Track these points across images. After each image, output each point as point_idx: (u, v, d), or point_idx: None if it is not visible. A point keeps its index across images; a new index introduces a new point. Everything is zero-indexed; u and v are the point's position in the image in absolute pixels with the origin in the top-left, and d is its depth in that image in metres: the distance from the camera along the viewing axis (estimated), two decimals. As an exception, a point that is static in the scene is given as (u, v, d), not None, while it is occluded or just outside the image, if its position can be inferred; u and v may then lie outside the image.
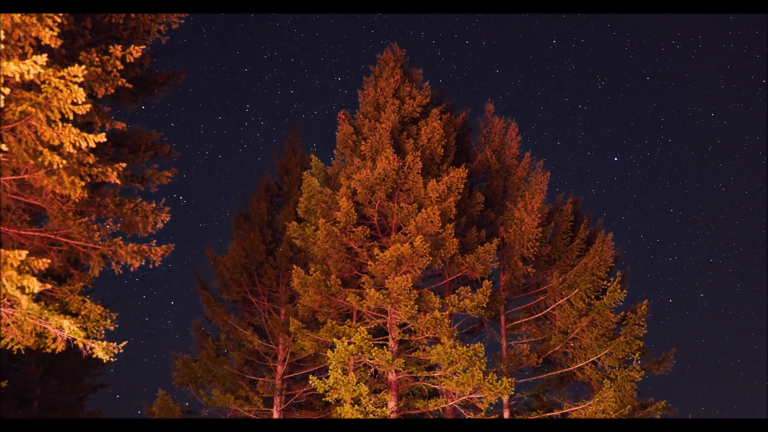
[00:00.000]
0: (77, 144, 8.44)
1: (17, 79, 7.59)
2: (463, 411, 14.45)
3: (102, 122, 9.92)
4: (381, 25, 48.59)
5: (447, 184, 14.42)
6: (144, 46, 9.28)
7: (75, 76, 7.92)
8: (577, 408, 14.77)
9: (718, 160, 46.16)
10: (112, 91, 9.48)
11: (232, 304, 18.19)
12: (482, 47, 48.83)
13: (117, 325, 10.15)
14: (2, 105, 7.80)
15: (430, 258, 13.69)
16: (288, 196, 18.98)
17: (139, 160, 11.30)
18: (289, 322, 14.70)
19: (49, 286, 9.07)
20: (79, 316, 9.94)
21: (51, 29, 8.04)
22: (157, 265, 10.36)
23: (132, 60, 9.25)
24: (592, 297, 15.65)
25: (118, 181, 9.42)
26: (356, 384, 12.98)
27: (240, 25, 49.28)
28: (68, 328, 9.24)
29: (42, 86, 8.01)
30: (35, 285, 8.31)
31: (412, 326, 13.89)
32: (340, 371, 13.02)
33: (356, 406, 12.96)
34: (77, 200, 9.39)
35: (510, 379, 13.02)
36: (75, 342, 9.54)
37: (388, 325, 14.56)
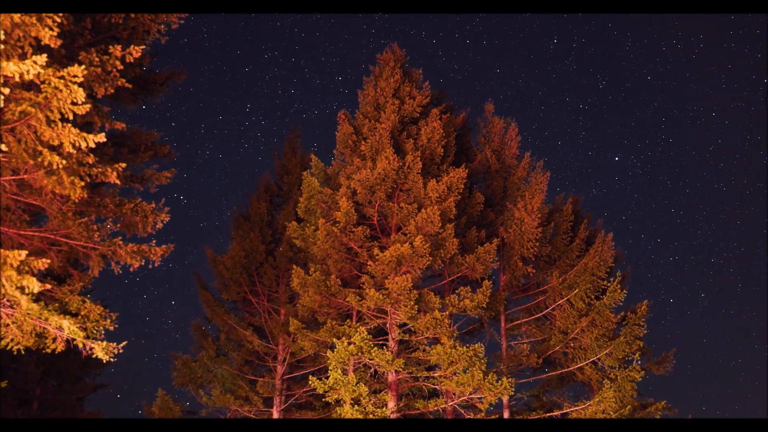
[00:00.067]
0: (77, 144, 8.44)
1: (17, 79, 7.59)
2: (463, 411, 14.45)
3: (102, 122, 9.92)
4: (382, 24, 48.61)
5: (447, 184, 14.41)
6: (144, 46, 9.27)
7: (75, 76, 7.92)
8: (577, 408, 14.76)
9: (719, 160, 46.17)
10: (112, 91, 9.47)
11: (232, 304, 18.19)
12: (483, 47, 48.86)
13: (117, 325, 10.16)
14: (2, 105, 7.80)
15: (430, 258, 13.69)
16: (288, 196, 18.97)
17: (138, 160, 11.29)
18: (289, 323, 14.69)
19: (48, 287, 9.07)
20: (79, 317, 9.94)
21: (51, 29, 8.03)
22: (156, 265, 10.36)
23: (132, 60, 9.24)
24: (592, 297, 15.65)
25: (117, 182, 9.42)
26: (356, 384, 12.97)
27: (241, 24, 49.33)
28: (68, 328, 9.24)
29: (42, 86, 8.01)
30: (35, 285, 8.32)
31: (412, 326, 13.88)
32: (339, 371, 13.02)
33: (356, 407, 12.95)
34: (77, 200, 9.39)
35: (510, 380, 13.01)
36: (75, 342, 9.54)
37: (388, 325, 14.55)
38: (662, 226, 47.96)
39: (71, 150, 8.46)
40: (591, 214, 17.11)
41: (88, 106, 8.29)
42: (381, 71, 16.28)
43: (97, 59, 9.10)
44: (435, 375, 14.10)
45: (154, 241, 10.44)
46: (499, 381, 12.96)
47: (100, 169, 9.18)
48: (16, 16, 7.77)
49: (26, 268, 8.72)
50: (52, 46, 8.29)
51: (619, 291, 15.12)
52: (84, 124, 9.79)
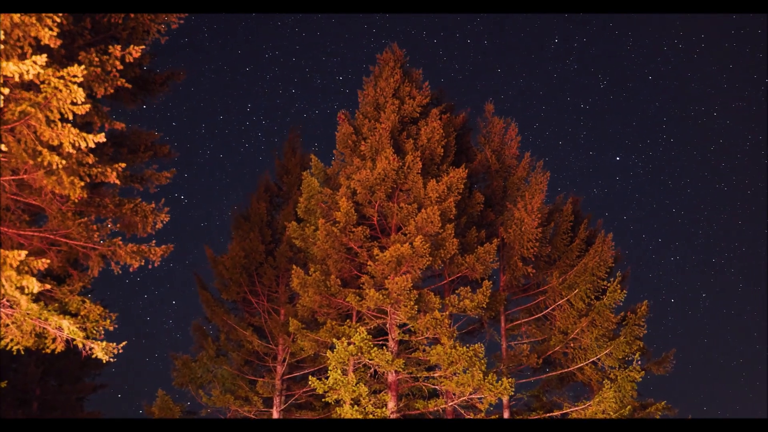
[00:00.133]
0: (76, 144, 8.43)
1: (17, 79, 7.59)
2: (463, 411, 14.44)
3: (101, 122, 9.91)
4: (382, 24, 48.60)
5: (447, 184, 14.41)
6: (143, 46, 9.27)
7: (74, 76, 7.92)
8: (577, 408, 14.76)
9: (720, 160, 46.16)
10: (112, 91, 9.47)
11: (232, 305, 18.19)
12: (484, 46, 48.87)
13: (117, 326, 10.16)
14: (2, 105, 7.80)
15: (430, 258, 13.68)
16: (288, 196, 18.97)
17: (138, 160, 11.29)
18: (289, 323, 14.69)
19: (48, 287, 9.07)
20: (79, 317, 9.93)
21: (50, 29, 8.03)
22: (156, 265, 10.36)
23: (131, 60, 9.24)
24: (592, 297, 15.65)
25: (117, 182, 9.42)
26: (356, 384, 12.97)
27: (241, 24, 49.31)
28: (68, 328, 9.24)
29: (41, 86, 8.01)
30: (34, 285, 8.31)
31: (412, 326, 13.87)
32: (339, 372, 13.01)
33: (356, 407, 12.95)
34: (76, 200, 9.39)
35: (510, 380, 13.01)
36: (74, 342, 9.54)
37: (387, 325, 14.54)
38: (663, 226, 47.98)
39: (71, 150, 8.46)
40: (591, 214, 17.13)
41: (87, 106, 8.29)
42: (381, 71, 16.27)
43: (96, 59, 9.10)
44: (435, 375, 14.09)
45: (153, 241, 10.45)
46: (499, 381, 12.95)
47: (99, 169, 9.18)
48: (16, 16, 7.77)
49: (26, 268, 8.71)
50: (52, 46, 8.29)
51: (619, 291, 15.11)
52: (84, 124, 9.79)
